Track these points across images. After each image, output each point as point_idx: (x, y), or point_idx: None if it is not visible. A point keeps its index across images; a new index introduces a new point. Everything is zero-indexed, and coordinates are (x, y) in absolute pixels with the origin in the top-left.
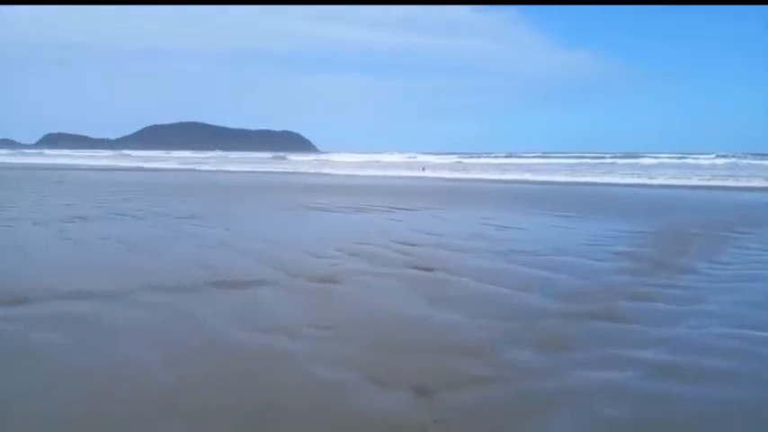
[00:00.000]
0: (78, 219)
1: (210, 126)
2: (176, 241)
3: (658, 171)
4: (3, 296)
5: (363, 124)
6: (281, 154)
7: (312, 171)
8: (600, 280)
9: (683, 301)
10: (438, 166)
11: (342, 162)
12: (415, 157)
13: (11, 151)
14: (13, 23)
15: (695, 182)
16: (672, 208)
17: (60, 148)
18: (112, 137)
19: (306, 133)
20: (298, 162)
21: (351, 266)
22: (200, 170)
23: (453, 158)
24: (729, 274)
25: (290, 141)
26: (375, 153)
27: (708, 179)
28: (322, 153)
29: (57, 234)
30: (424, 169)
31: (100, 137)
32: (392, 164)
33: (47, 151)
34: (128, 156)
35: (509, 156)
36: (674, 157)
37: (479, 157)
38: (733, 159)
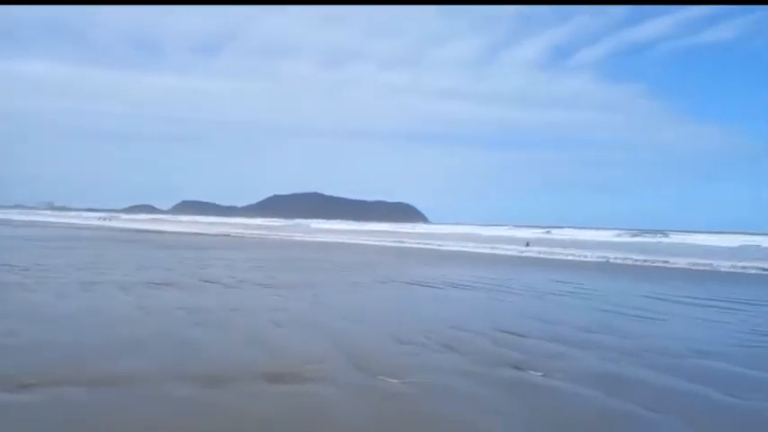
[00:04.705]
0: (165, 285)
1: (328, 196)
2: (249, 315)
3: None
4: None
5: (475, 197)
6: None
7: (418, 244)
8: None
9: None
10: (543, 242)
11: (450, 233)
12: (515, 230)
13: (150, 215)
14: (151, 104)
15: None
16: None
17: (192, 214)
18: (238, 205)
19: (419, 205)
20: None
21: (435, 360)
22: (294, 239)
23: (538, 230)
24: None
25: (404, 212)
26: (481, 225)
27: None
28: (432, 224)
29: (134, 301)
30: (528, 244)
31: (228, 204)
32: (492, 237)
33: (180, 217)
34: (249, 224)
35: (637, 233)
36: None
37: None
38: None
